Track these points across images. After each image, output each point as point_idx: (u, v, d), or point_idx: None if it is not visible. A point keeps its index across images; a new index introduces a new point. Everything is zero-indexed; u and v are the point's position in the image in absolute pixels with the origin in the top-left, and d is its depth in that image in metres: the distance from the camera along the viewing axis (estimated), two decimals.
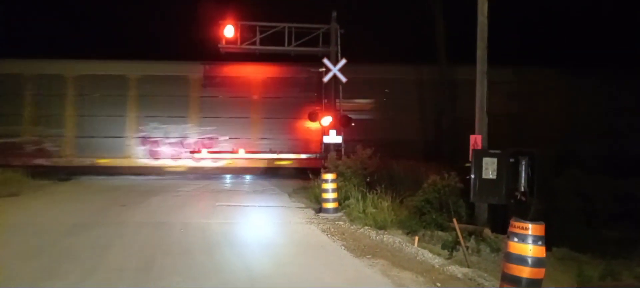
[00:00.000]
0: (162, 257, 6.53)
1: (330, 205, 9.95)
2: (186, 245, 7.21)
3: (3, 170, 14.30)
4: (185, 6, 20.51)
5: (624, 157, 14.90)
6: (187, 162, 18.54)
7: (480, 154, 8.26)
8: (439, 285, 5.45)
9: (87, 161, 17.99)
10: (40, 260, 6.03)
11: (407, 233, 8.11)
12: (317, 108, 16.24)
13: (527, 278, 4.39)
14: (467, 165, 8.12)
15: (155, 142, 18.59)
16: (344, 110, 15.79)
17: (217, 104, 18.82)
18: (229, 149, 18.45)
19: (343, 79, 15.01)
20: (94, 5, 22.01)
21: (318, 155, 16.95)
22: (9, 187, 12.75)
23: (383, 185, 9.86)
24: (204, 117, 18.69)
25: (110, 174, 17.23)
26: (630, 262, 7.55)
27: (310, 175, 12.96)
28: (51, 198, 11.96)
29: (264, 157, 18.43)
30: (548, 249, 6.55)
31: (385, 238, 7.76)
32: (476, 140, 8.80)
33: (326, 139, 14.92)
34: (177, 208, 10.53)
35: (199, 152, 18.27)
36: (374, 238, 7.90)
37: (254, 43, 16.12)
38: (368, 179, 11.03)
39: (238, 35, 15.87)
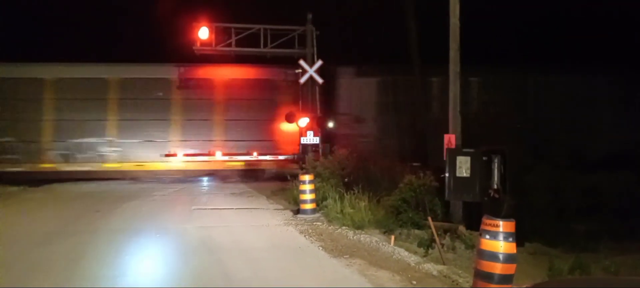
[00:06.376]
0: (136, 265, 6.46)
1: (308, 206, 9.96)
2: (162, 251, 7.14)
3: None
4: (159, 8, 20.15)
5: (590, 152, 15.34)
6: (162, 165, 18.23)
7: (454, 153, 8.45)
8: (415, 283, 5.54)
9: (62, 166, 17.54)
10: (11, 272, 5.85)
11: (384, 233, 8.21)
12: (294, 109, 16.27)
13: (499, 274, 4.50)
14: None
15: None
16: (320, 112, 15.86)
17: (191, 106, 18.56)
18: (206, 152, 18.26)
19: (319, 80, 15.11)
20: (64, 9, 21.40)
21: (296, 156, 16.94)
22: None
23: (360, 186, 9.93)
24: (179, 120, 18.45)
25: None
26: (598, 254, 7.85)
27: (289, 177, 12.95)
28: (23, 206, 11.62)
29: (241, 160, 18.31)
30: (520, 245, 6.76)
31: (362, 238, 7.83)
32: (450, 140, 8.96)
33: (304, 140, 14.95)
34: (153, 214, 10.37)
35: (174, 155, 18.03)
36: (351, 238, 7.96)
37: (229, 44, 16.05)
38: (346, 180, 11.09)
39: (213, 37, 15.81)
